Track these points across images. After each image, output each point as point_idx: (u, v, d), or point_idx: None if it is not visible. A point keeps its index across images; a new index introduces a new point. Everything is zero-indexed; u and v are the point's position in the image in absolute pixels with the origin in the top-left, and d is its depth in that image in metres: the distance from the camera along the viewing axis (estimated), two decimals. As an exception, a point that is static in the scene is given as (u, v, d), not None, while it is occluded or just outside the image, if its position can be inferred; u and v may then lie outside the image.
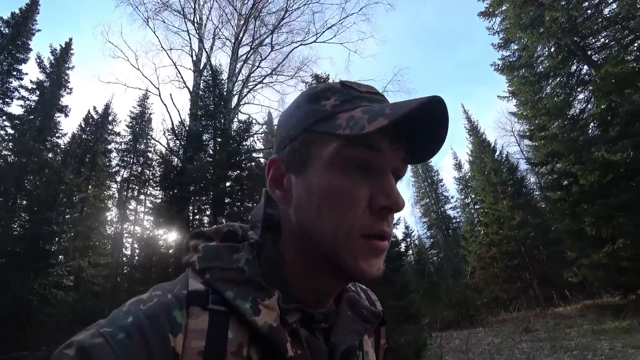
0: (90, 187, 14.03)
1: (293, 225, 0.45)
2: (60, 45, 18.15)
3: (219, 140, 10.26)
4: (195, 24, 15.05)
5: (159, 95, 12.19)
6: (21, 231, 11.04)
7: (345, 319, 0.49)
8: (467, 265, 19.41)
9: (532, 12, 11.23)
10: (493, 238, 18.13)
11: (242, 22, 15.36)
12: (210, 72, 11.50)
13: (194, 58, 13.79)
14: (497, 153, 19.63)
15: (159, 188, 10.07)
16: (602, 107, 8.86)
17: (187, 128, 10.11)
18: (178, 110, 11.86)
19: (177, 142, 10.08)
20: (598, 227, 8.96)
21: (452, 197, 25.00)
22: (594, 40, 11.07)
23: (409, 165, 0.48)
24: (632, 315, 8.58)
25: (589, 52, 11.24)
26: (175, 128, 10.47)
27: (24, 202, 13.44)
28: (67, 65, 17.66)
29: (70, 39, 18.54)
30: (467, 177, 22.05)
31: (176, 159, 9.95)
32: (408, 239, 27.00)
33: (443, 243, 25.25)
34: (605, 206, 8.65)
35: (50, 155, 14.54)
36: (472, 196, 21.06)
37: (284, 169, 0.47)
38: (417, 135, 0.43)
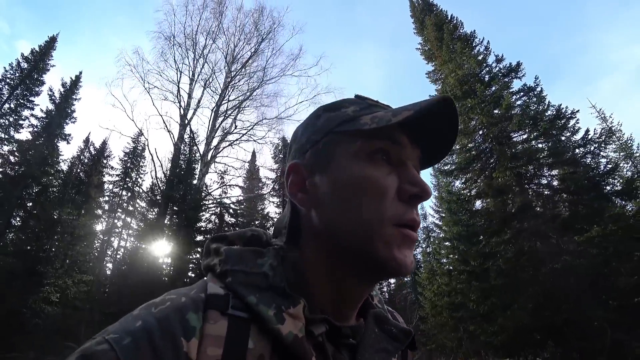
0: (82, 213, 17.39)
1: (316, 227, 0.48)
2: (71, 78, 21.88)
3: (189, 197, 13.67)
4: (188, 76, 18.65)
5: (147, 146, 15.61)
6: (16, 249, 14.33)
7: (372, 336, 0.49)
8: (421, 310, 22.24)
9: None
10: (444, 289, 20.96)
11: (228, 80, 18.94)
12: (190, 135, 14.94)
13: (181, 112, 17.29)
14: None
15: (134, 238, 13.36)
16: (488, 206, 12.04)
17: (163, 185, 13.52)
18: (161, 163, 15.22)
19: (154, 197, 13.47)
20: (478, 303, 11.99)
21: (422, 243, 28.01)
22: (509, 139, 14.30)
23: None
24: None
25: (506, 149, 14.45)
26: (155, 183, 13.88)
27: (21, 220, 16.81)
28: (74, 97, 21.30)
29: (80, 73, 22.28)
30: (430, 227, 25.16)
31: (155, 209, 13.31)
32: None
33: (411, 285, 28.10)
34: (482, 287, 11.71)
35: (51, 178, 17.93)
36: (433, 247, 24.07)
37: (306, 172, 0.51)
38: (431, 133, 0.49)
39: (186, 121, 17.13)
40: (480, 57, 14.85)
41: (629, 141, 17.01)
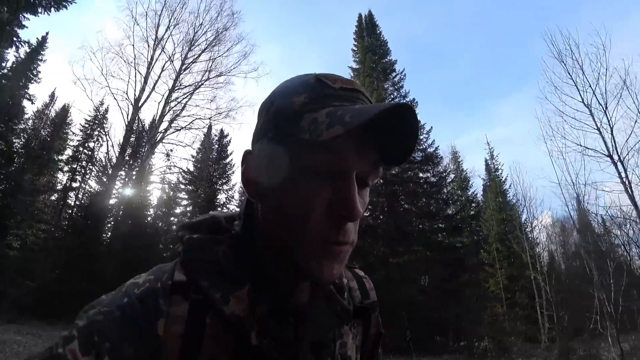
0: (44, 172, 21.00)
1: (260, 221, 0.54)
2: (38, 39, 24.06)
3: (133, 175, 17.57)
4: (147, 60, 21.64)
5: (102, 124, 19.04)
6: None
7: (318, 312, 0.57)
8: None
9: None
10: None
11: (182, 67, 22.04)
12: (138, 122, 18.51)
13: (135, 95, 20.56)
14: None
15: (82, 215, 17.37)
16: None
17: (110, 168, 17.34)
18: (112, 143, 18.76)
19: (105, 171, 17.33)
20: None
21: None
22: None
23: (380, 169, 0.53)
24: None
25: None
26: (106, 159, 17.68)
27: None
28: (39, 57, 23.65)
29: (47, 33, 24.44)
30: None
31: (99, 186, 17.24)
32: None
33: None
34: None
35: (16, 138, 21.09)
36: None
37: (254, 165, 0.54)
38: (384, 140, 0.49)
39: (139, 104, 20.53)
40: (388, 91, 18.62)
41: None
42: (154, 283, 0.51)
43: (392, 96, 18.61)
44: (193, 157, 23.21)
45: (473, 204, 23.67)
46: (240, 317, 0.48)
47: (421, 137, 17.70)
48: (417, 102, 18.10)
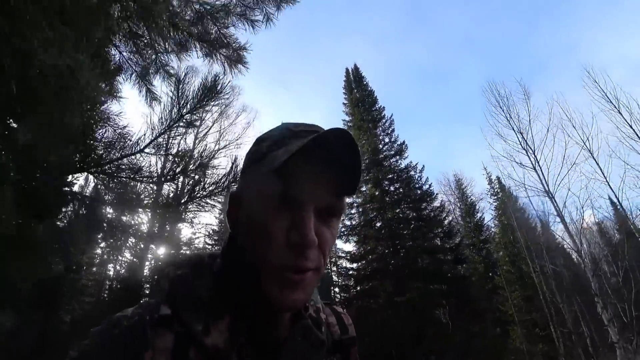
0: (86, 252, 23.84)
1: (239, 254, 0.58)
2: (72, 131, 27.98)
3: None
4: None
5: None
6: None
7: (294, 344, 0.60)
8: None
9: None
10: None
11: (196, 142, 24.91)
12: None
13: (157, 172, 23.38)
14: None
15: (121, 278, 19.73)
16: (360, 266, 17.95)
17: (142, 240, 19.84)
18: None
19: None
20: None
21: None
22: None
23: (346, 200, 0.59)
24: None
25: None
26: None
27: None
28: (75, 148, 27.42)
29: (79, 126, 28.46)
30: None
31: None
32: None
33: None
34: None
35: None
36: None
37: (237, 203, 0.61)
38: (332, 166, 0.54)
39: (162, 179, 23.33)
40: (380, 137, 20.53)
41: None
42: (142, 316, 0.54)
43: (383, 142, 20.50)
44: (216, 217, 25.53)
45: (483, 228, 24.43)
46: (220, 348, 0.51)
47: (415, 176, 19.35)
48: (406, 145, 19.88)
